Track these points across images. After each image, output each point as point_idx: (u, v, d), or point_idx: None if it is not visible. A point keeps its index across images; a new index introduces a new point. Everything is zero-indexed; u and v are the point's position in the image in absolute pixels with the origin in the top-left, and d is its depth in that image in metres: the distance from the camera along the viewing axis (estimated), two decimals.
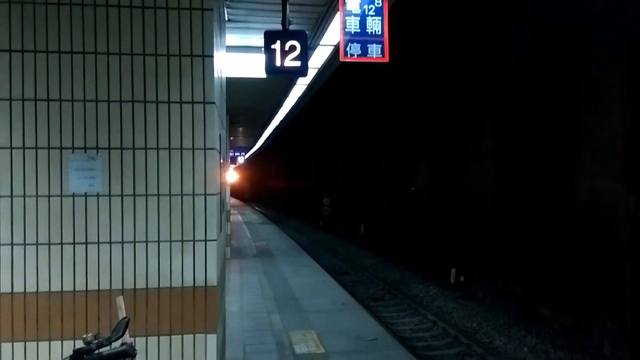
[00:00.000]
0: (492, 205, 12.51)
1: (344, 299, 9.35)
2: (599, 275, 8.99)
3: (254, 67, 8.55)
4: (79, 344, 3.76)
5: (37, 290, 3.84)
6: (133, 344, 2.45)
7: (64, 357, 2.33)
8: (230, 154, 23.97)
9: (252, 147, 34.91)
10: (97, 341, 2.32)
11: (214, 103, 4.11)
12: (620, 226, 8.56)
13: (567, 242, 9.84)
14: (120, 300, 2.58)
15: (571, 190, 9.75)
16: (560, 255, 10.08)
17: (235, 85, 8.02)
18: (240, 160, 33.84)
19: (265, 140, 28.92)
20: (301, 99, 12.94)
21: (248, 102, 13.06)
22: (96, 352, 2.28)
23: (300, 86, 11.20)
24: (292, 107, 14.35)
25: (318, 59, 8.51)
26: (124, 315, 2.54)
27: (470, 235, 13.52)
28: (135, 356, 2.38)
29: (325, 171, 31.33)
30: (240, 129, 20.97)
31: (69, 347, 3.79)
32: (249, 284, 10.70)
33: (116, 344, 2.41)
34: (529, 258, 11.13)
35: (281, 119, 17.12)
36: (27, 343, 3.83)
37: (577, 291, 9.49)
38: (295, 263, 13.55)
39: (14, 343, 3.81)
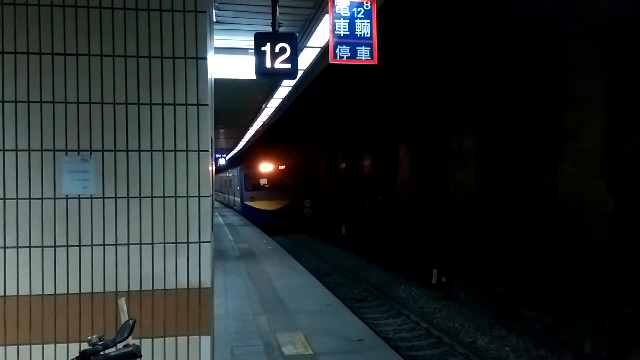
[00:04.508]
0: (473, 206, 12.66)
1: (328, 300, 9.38)
2: (579, 274, 9.16)
3: (239, 68, 8.56)
4: (73, 346, 3.79)
5: (30, 294, 3.81)
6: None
7: (69, 359, 2.33)
8: None
9: (232, 149, 34.79)
10: (102, 342, 2.32)
11: (207, 105, 4.11)
12: (599, 225, 8.73)
13: (548, 242, 10.01)
14: (122, 302, 2.59)
15: (552, 189, 9.91)
16: (541, 254, 10.24)
17: (218, 87, 8.02)
18: (222, 162, 33.75)
19: (246, 143, 28.84)
20: (285, 100, 12.96)
21: (231, 104, 13.05)
22: (102, 353, 2.28)
23: (285, 88, 11.22)
24: (275, 109, 14.36)
25: (304, 60, 8.55)
26: (127, 316, 2.54)
27: (452, 236, 13.66)
28: (141, 357, 2.38)
29: (306, 172, 31.33)
30: (222, 130, 20.92)
31: (62, 351, 3.80)
32: (234, 286, 10.68)
33: (120, 346, 2.41)
34: (510, 258, 11.29)
35: (264, 120, 17.11)
36: (19, 347, 3.79)
37: (558, 290, 9.66)
38: (279, 265, 13.55)
39: (7, 347, 3.78)
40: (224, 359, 6.35)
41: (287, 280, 11.36)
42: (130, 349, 2.33)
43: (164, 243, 3.99)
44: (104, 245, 3.91)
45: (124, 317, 2.54)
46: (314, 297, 9.58)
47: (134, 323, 2.43)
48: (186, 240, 4.03)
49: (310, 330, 7.43)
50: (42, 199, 3.83)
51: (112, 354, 2.28)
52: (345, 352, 6.63)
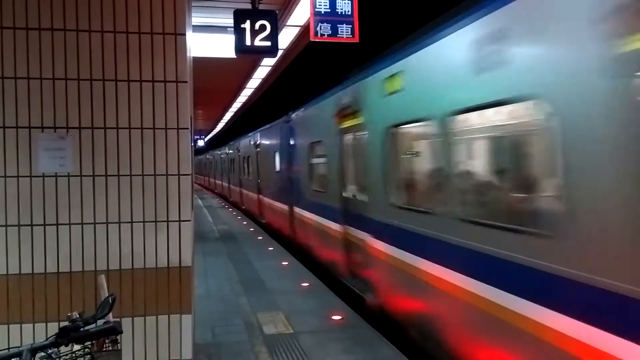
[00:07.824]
0: None
1: (309, 281, 9.40)
2: None
3: (217, 47, 8.45)
4: (51, 326, 3.75)
5: (7, 273, 3.76)
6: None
7: (48, 337, 2.30)
8: None
9: (210, 131, 34.59)
10: (82, 319, 2.29)
11: (186, 82, 4.06)
12: None
13: None
14: (102, 279, 2.57)
15: None
16: None
17: (196, 66, 7.92)
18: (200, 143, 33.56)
19: (225, 125, 28.66)
20: (264, 81, 12.86)
21: (209, 83, 12.88)
22: (82, 329, 2.25)
23: (264, 67, 11.11)
24: (254, 89, 14.26)
25: (284, 40, 8.45)
26: (107, 293, 2.51)
27: None
28: (122, 333, 2.36)
29: None
30: (200, 111, 20.70)
31: (40, 330, 3.76)
32: (214, 268, 10.64)
33: (100, 322, 2.39)
34: None
35: (243, 102, 16.98)
36: None
37: None
38: (259, 246, 13.52)
39: None
40: (205, 338, 6.35)
41: (267, 261, 11.34)
42: (111, 324, 2.31)
43: (144, 222, 3.96)
44: (82, 224, 3.87)
45: (103, 293, 2.52)
46: (294, 278, 9.60)
47: (114, 299, 2.40)
48: (166, 219, 4.01)
49: (291, 310, 7.45)
50: (17, 177, 3.77)
51: (92, 330, 2.26)
52: (326, 331, 6.67)
